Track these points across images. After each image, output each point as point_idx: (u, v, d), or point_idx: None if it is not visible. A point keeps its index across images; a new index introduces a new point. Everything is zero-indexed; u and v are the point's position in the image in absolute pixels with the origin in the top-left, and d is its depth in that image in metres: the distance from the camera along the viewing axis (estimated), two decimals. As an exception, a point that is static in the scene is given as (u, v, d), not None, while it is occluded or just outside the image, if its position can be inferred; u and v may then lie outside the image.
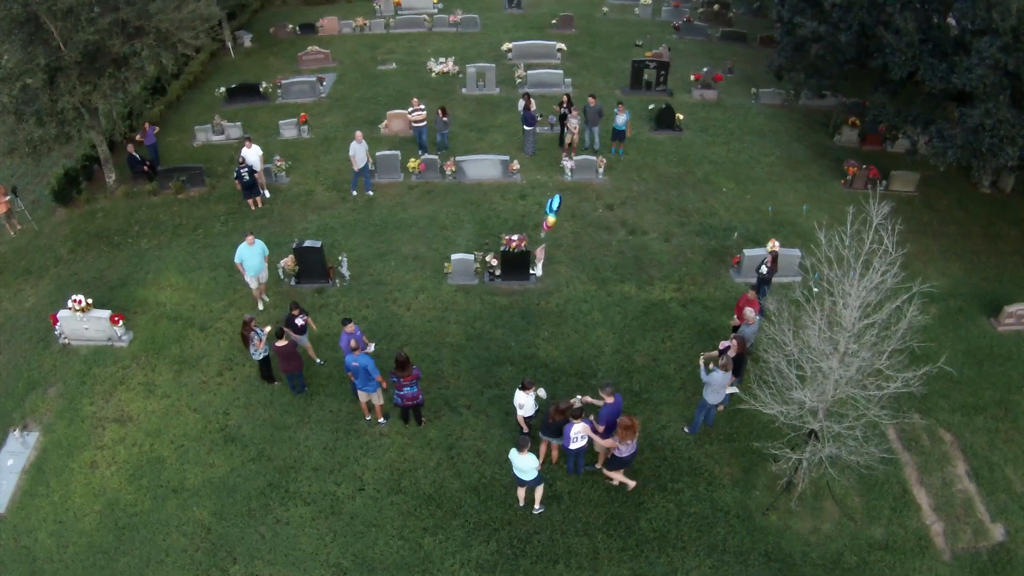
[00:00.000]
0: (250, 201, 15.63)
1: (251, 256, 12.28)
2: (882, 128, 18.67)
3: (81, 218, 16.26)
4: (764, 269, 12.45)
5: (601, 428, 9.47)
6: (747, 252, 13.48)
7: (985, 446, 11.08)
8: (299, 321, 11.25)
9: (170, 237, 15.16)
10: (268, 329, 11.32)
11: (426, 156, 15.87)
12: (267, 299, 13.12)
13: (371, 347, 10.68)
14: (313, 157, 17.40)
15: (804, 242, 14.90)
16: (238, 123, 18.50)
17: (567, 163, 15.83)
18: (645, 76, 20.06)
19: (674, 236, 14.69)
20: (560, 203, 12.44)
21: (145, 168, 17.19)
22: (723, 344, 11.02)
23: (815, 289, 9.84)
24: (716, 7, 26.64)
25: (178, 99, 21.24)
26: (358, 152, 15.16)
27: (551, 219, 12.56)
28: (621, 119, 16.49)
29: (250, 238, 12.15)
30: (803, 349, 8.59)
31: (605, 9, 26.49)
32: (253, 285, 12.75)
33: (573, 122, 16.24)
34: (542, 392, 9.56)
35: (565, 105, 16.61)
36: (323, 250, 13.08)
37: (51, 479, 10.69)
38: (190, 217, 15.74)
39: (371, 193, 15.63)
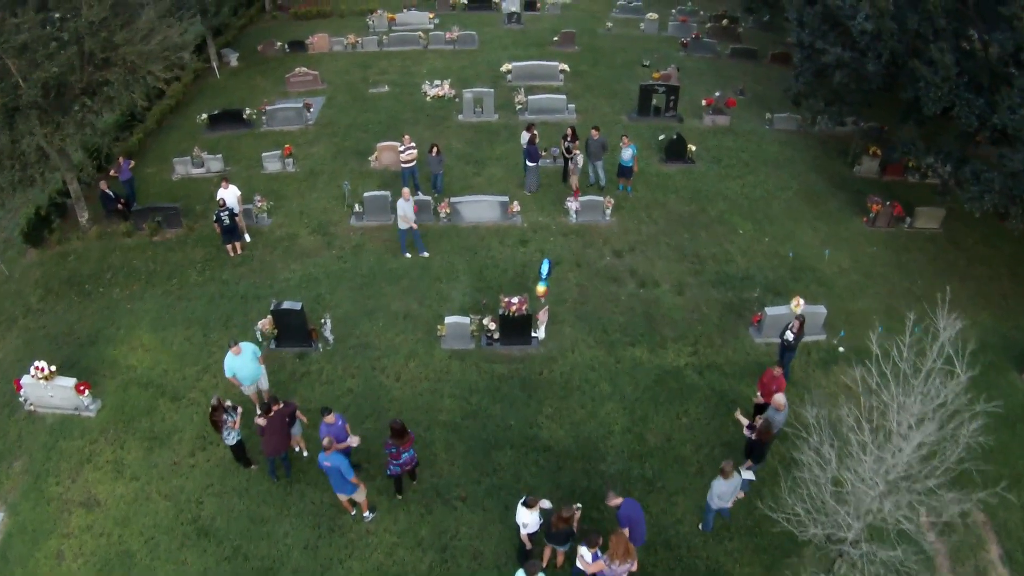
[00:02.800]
0: (229, 247, 14.48)
1: (243, 366, 10.53)
2: (903, 160, 17.57)
3: (53, 261, 15.14)
4: (790, 335, 11.32)
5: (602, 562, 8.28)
6: (768, 311, 12.33)
7: (1020, 525, 10.00)
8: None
9: (143, 286, 14.04)
10: (241, 409, 10.22)
11: (418, 197, 14.69)
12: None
13: (354, 440, 9.54)
14: (298, 194, 16.23)
15: (827, 291, 13.79)
16: (219, 155, 17.31)
17: (571, 204, 14.67)
18: (654, 101, 18.87)
19: (688, 287, 13.55)
20: (551, 269, 11.33)
21: (120, 206, 16.04)
22: (746, 430, 9.92)
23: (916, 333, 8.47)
24: (725, 22, 25.40)
25: (159, 125, 20.05)
26: (407, 211, 13.41)
27: (542, 288, 11.48)
28: (627, 153, 15.30)
29: (235, 347, 10.39)
30: (848, 473, 7.41)
31: (609, 24, 25.23)
32: (251, 392, 11.00)
33: (577, 158, 15.06)
34: (546, 503, 8.48)
35: (569, 138, 15.45)
36: (304, 312, 11.96)
37: (16, 569, 9.65)
38: (165, 263, 14.61)
39: (426, 254, 13.96)
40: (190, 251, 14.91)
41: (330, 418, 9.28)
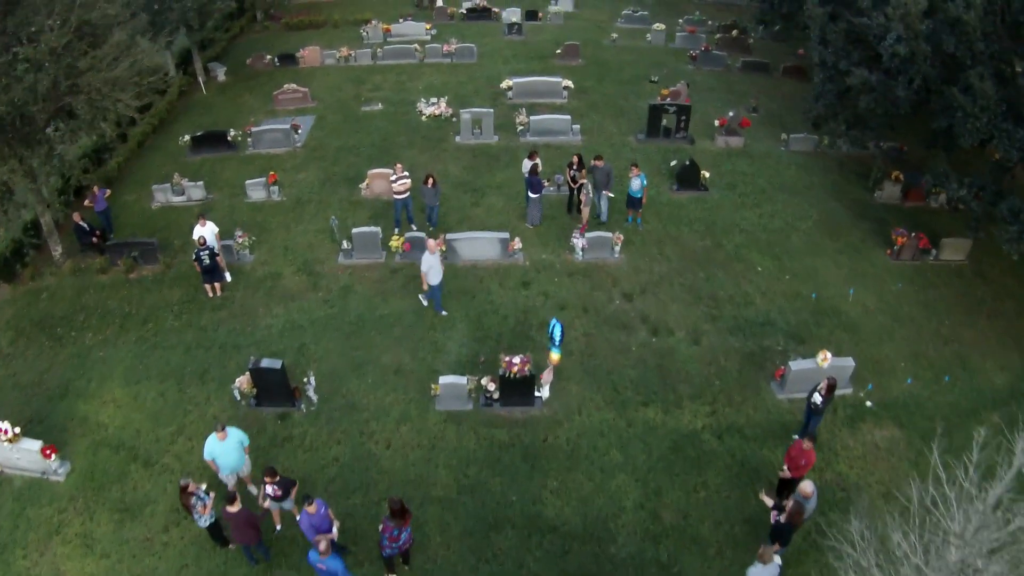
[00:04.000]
0: (208, 287, 13.46)
1: (225, 454, 9.30)
2: (925, 183, 16.52)
3: (25, 299, 14.10)
4: (818, 399, 10.27)
5: None
6: (793, 366, 11.28)
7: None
8: (269, 490, 9.02)
9: (117, 331, 13.01)
10: (214, 494, 9.21)
11: (411, 234, 13.63)
12: (254, 490, 10.00)
13: (334, 528, 8.53)
14: (283, 226, 15.16)
15: (852, 337, 12.75)
16: (200, 182, 16.26)
17: (578, 241, 13.61)
18: (664, 122, 17.77)
19: (704, 335, 12.50)
20: (563, 333, 10.30)
21: (95, 239, 15.00)
22: (773, 514, 8.90)
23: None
24: (735, 33, 24.27)
25: (140, 146, 18.98)
26: (434, 265, 11.90)
27: (555, 356, 10.46)
28: (636, 184, 14.21)
29: (221, 432, 9.13)
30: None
31: (614, 36, 24.10)
32: (231, 483, 9.62)
33: (586, 188, 14.00)
34: None
35: (575, 166, 14.39)
36: (285, 370, 10.93)
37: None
38: (140, 305, 13.57)
39: (444, 313, 12.59)
40: (167, 291, 13.87)
41: (312, 508, 8.25)
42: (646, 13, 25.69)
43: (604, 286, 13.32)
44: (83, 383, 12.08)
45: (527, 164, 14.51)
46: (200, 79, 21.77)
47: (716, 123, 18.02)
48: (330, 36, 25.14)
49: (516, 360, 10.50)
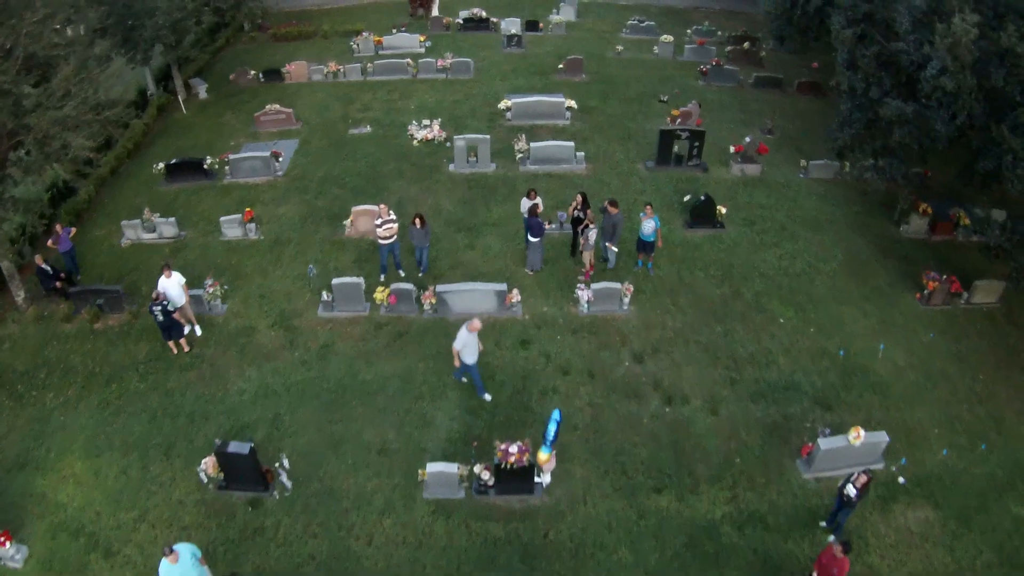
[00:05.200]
0: (172, 344, 12.26)
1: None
2: (954, 215, 15.28)
3: (-15, 348, 12.99)
4: (852, 491, 9.08)
5: None
6: (822, 444, 10.04)
7: None
8: None
9: (80, 391, 11.81)
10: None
11: (398, 285, 12.40)
12: None
13: None
14: (259, 270, 13.89)
15: (882, 400, 11.56)
16: (172, 219, 14.99)
17: (582, 294, 12.39)
18: (675, 148, 16.49)
19: (723, 403, 11.27)
20: (559, 428, 9.09)
21: (59, 283, 13.79)
22: None
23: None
24: (746, 45, 22.91)
25: (113, 173, 17.73)
26: (470, 344, 10.45)
27: (544, 456, 9.30)
28: (649, 227, 12.95)
29: (171, 555, 7.86)
30: None
31: (619, 48, 22.71)
32: None
33: (590, 235, 12.77)
34: None
35: (579, 206, 13.15)
36: (255, 453, 9.72)
37: None
38: (105, 362, 12.36)
39: (488, 397, 11.00)
40: (132, 346, 12.66)
41: None
42: (652, 23, 24.27)
43: (612, 344, 12.09)
44: (42, 453, 10.92)
45: (525, 203, 13.25)
46: (180, 97, 20.48)
47: (732, 149, 16.72)
48: (319, 48, 23.80)
49: (513, 449, 9.29)
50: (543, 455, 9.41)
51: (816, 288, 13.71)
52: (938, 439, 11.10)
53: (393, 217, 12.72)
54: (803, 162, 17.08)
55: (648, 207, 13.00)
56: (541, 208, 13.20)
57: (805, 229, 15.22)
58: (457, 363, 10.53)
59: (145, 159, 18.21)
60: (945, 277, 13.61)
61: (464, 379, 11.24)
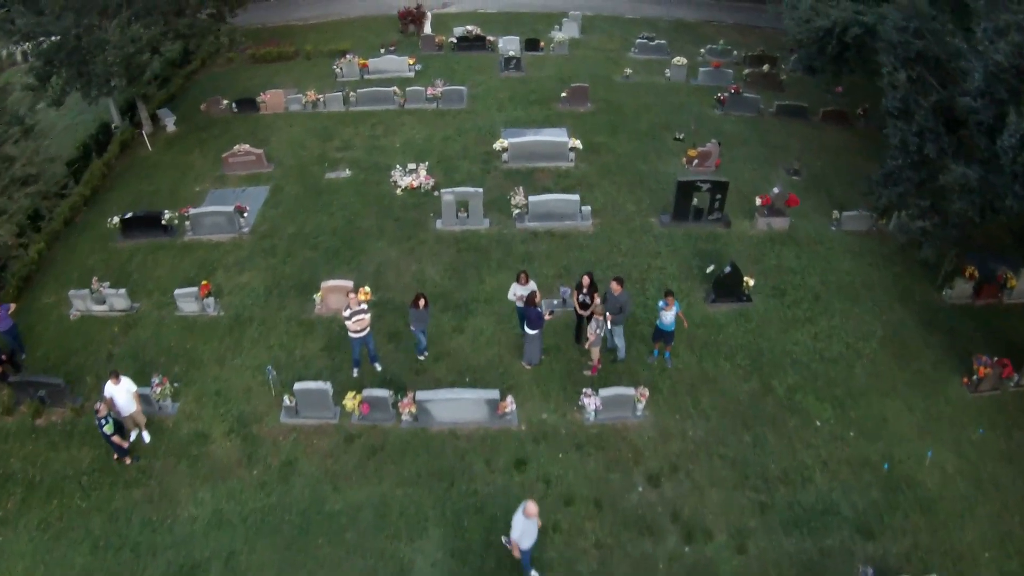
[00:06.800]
0: (115, 457, 10.56)
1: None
2: (1001, 276, 13.46)
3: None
4: None
5: None
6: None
7: None
8: None
9: (20, 505, 10.19)
10: None
11: (371, 393, 10.48)
12: None
13: None
14: (216, 360, 12.07)
15: (929, 520, 9.90)
16: (122, 290, 13.17)
17: (588, 401, 10.58)
18: (695, 201, 14.58)
19: (752, 537, 9.46)
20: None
21: (0, 366, 12.16)
22: None
23: None
24: (765, 67, 20.90)
25: (67, 225, 15.94)
26: (529, 531, 8.67)
27: None
28: (669, 316, 11.06)
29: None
30: None
31: (627, 71, 20.68)
32: None
33: (593, 326, 10.92)
34: None
35: (585, 290, 11.33)
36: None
37: None
38: (46, 470, 10.66)
39: (535, 574, 8.98)
40: (76, 451, 10.90)
41: None
42: (663, 42, 22.21)
43: (623, 463, 10.25)
44: (-25, 583, 9.31)
45: (516, 290, 11.34)
46: (145, 131, 18.61)
47: (758, 201, 14.79)
48: (301, 71, 21.85)
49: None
50: None
51: (856, 376, 11.88)
52: (988, 564, 9.40)
53: (364, 307, 10.84)
54: (836, 213, 15.16)
55: (669, 296, 11.05)
56: (539, 298, 11.20)
57: (841, 299, 13.36)
58: (517, 554, 8.59)
59: (104, 205, 16.41)
60: (996, 360, 11.84)
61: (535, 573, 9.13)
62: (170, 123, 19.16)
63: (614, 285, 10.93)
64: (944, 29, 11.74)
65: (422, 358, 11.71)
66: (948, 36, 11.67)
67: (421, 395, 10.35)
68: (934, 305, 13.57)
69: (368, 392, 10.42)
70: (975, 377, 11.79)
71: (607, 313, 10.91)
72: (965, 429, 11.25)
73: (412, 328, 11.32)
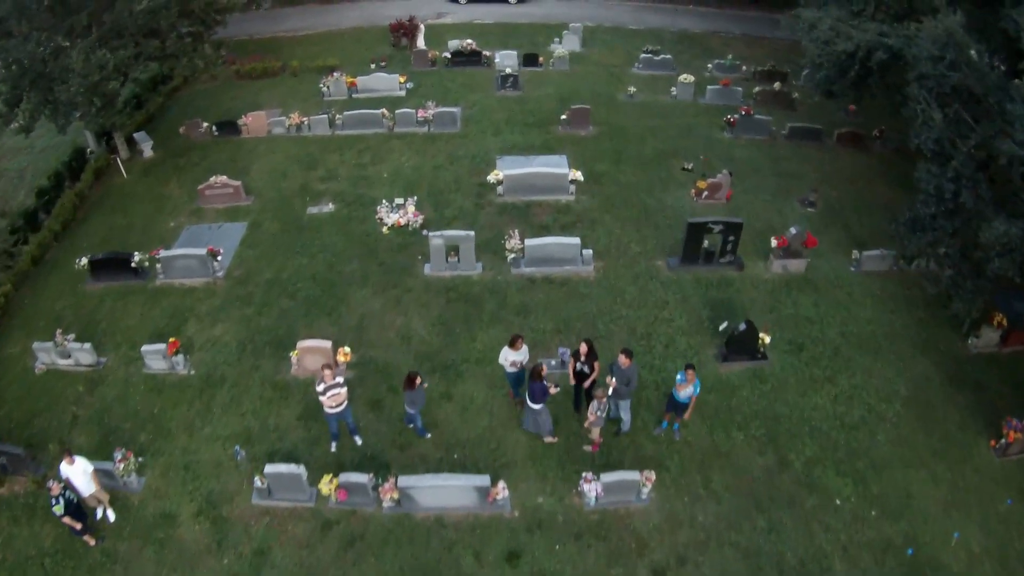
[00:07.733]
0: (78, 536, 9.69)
1: None
2: None
3: None
4: None
5: None
6: None
7: None
8: None
9: None
10: None
11: (348, 478, 9.48)
12: None
13: None
14: (185, 426, 11.09)
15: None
16: (87, 345, 12.19)
17: (589, 488, 9.59)
18: (706, 243, 13.50)
19: (770, 644, 8.63)
20: None
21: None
22: None
23: None
24: (777, 85, 19.75)
25: (35, 263, 14.97)
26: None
27: None
28: (685, 393, 10.06)
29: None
30: None
31: (631, 89, 19.53)
32: None
33: (594, 406, 9.76)
34: None
35: (583, 358, 10.28)
36: None
37: None
38: (8, 547, 9.79)
39: None
40: (38, 527, 9.98)
41: None
42: (668, 56, 21.03)
43: (626, 555, 9.30)
44: None
45: (508, 355, 10.26)
46: (120, 158, 17.58)
47: (773, 243, 13.69)
48: (287, 88, 20.74)
49: None
50: None
51: (878, 445, 10.88)
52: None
53: (339, 381, 9.82)
54: (855, 253, 14.11)
55: (690, 370, 9.98)
56: (546, 372, 9.91)
57: (862, 353, 12.34)
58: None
59: (77, 239, 15.46)
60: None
61: None
62: (147, 148, 18.09)
63: (622, 358, 9.88)
64: (983, 62, 10.66)
65: (427, 437, 10.65)
66: (988, 70, 10.59)
67: (404, 481, 9.35)
68: (959, 355, 12.57)
69: (345, 477, 9.44)
70: (1003, 441, 10.89)
71: (613, 384, 9.92)
72: (993, 499, 10.34)
73: (410, 411, 10.28)
